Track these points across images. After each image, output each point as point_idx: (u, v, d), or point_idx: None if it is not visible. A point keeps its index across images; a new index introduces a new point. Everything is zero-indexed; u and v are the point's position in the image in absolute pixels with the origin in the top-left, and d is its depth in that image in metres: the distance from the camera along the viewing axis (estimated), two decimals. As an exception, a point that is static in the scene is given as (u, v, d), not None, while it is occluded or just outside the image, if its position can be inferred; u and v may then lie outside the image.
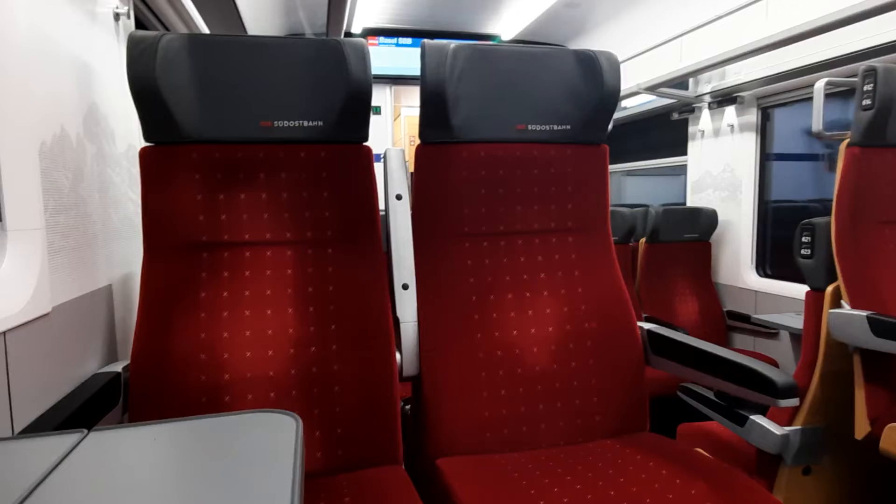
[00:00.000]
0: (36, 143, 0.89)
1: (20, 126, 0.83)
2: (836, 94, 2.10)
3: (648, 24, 2.61)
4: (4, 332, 0.78)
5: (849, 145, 1.57)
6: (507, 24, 3.10)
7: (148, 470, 0.50)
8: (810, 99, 1.83)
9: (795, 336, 2.42)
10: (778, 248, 2.73)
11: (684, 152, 3.14)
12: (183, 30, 2.09)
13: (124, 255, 1.27)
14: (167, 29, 1.95)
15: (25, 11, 0.89)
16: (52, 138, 0.95)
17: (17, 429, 0.82)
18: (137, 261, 1.18)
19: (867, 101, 1.54)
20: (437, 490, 1.13)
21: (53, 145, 0.95)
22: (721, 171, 2.88)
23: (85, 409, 0.97)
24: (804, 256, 1.64)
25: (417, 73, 1.31)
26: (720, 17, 2.26)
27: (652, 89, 2.80)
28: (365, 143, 1.29)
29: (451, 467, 1.14)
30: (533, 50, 1.38)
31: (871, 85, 1.53)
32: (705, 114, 2.92)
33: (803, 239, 1.64)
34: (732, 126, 2.78)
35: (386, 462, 1.17)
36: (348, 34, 3.10)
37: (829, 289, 1.57)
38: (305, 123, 1.24)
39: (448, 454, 1.21)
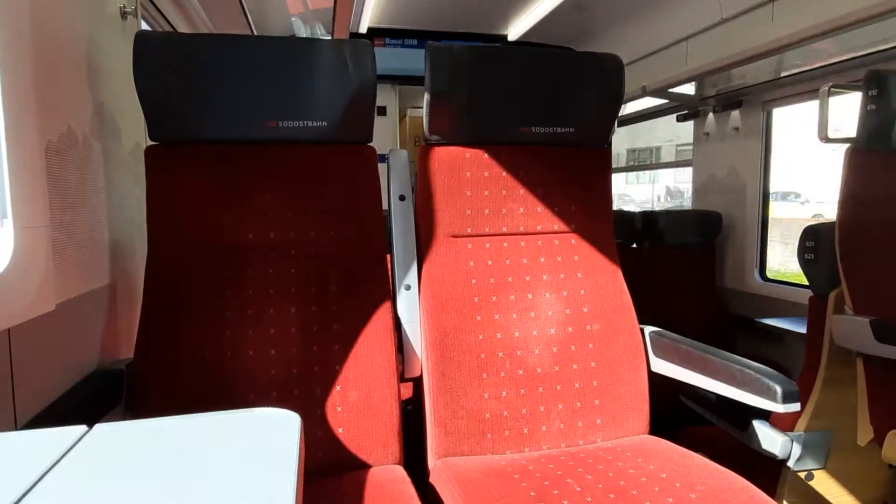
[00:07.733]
0: (43, 142, 0.89)
1: (27, 124, 0.84)
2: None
3: (655, 27, 2.61)
4: (9, 329, 0.79)
5: (853, 150, 1.56)
6: (513, 25, 3.11)
7: (149, 466, 0.50)
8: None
9: (800, 340, 2.41)
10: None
11: None
12: (189, 29, 2.10)
13: (128, 253, 1.27)
14: (173, 28, 1.96)
15: (33, 9, 0.89)
16: (59, 137, 0.95)
17: (20, 423, 0.83)
18: (141, 258, 1.19)
19: (872, 106, 1.53)
20: (437, 491, 1.13)
21: (60, 143, 0.95)
22: (726, 174, 2.87)
23: (88, 405, 0.98)
24: (808, 261, 1.64)
25: (423, 73, 1.31)
26: (725, 21, 2.26)
27: (657, 92, 2.80)
28: (369, 144, 1.30)
29: (452, 468, 1.14)
30: (537, 53, 1.39)
31: (876, 90, 1.52)
32: (710, 117, 2.92)
33: (807, 244, 1.64)
34: (737, 129, 2.78)
35: (387, 462, 1.17)
36: (354, 35, 3.11)
37: (833, 294, 1.56)
38: (310, 124, 1.24)
39: (449, 455, 1.21)
